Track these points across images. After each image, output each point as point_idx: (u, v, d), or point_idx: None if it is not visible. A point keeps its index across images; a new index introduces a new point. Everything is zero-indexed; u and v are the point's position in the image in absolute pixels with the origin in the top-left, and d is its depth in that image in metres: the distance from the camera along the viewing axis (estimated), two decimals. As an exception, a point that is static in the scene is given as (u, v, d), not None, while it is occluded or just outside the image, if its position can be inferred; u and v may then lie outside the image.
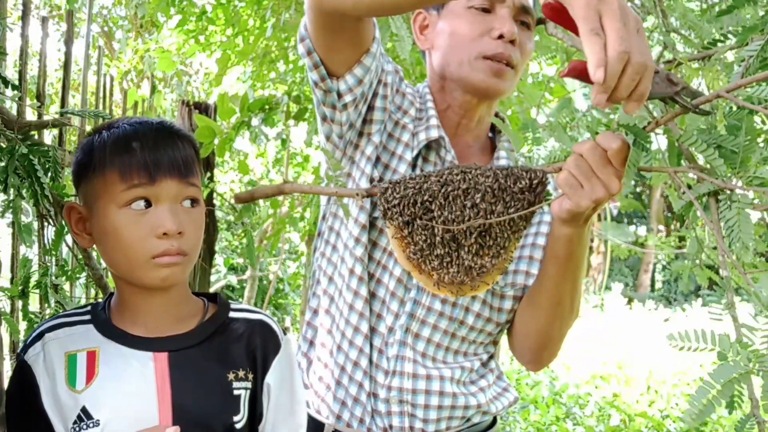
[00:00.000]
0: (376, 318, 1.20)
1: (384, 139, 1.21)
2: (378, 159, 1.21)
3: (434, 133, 1.19)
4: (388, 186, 0.95)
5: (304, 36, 1.09)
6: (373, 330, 1.20)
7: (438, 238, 0.93)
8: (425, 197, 0.93)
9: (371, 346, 1.20)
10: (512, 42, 1.16)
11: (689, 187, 0.98)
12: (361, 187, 0.99)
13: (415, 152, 1.20)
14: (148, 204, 0.91)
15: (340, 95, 1.12)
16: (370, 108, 1.19)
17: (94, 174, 0.93)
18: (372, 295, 1.20)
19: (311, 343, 1.29)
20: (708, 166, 0.94)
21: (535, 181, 0.93)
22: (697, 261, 1.34)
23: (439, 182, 0.93)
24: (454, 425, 1.22)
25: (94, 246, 0.99)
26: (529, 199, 0.93)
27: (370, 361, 1.20)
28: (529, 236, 1.25)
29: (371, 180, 1.19)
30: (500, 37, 1.15)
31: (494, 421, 1.30)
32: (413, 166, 1.20)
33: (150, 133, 0.94)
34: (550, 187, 0.97)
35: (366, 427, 1.19)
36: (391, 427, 1.19)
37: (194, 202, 0.95)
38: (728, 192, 0.91)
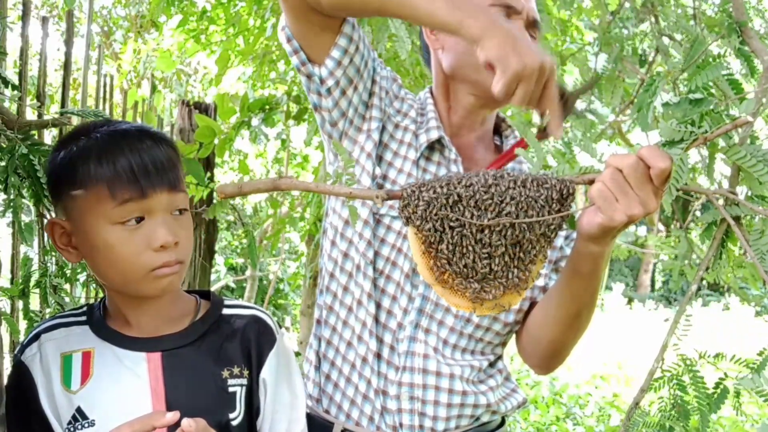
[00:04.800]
0: (386, 314, 1.20)
1: (386, 139, 1.24)
2: (380, 158, 1.22)
3: (434, 134, 1.21)
4: (413, 189, 0.89)
5: (284, 25, 1.15)
6: (383, 326, 1.20)
7: (467, 248, 0.87)
8: (455, 204, 0.87)
9: (381, 342, 1.20)
10: None
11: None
12: (382, 189, 0.93)
13: (418, 153, 1.22)
14: (141, 218, 0.90)
15: (323, 81, 1.16)
16: (368, 106, 1.22)
17: (78, 189, 0.90)
18: (381, 291, 1.20)
19: (320, 340, 1.29)
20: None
21: (564, 192, 0.89)
22: (687, 261, 1.33)
23: (468, 188, 0.87)
24: (463, 424, 1.21)
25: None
26: (558, 210, 0.89)
27: (379, 357, 1.20)
28: None
29: (374, 177, 1.20)
30: None
31: (502, 422, 1.30)
32: (416, 165, 1.22)
33: (134, 144, 0.90)
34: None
35: (375, 426, 1.19)
36: (401, 425, 1.18)
37: (182, 209, 0.94)
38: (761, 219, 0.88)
